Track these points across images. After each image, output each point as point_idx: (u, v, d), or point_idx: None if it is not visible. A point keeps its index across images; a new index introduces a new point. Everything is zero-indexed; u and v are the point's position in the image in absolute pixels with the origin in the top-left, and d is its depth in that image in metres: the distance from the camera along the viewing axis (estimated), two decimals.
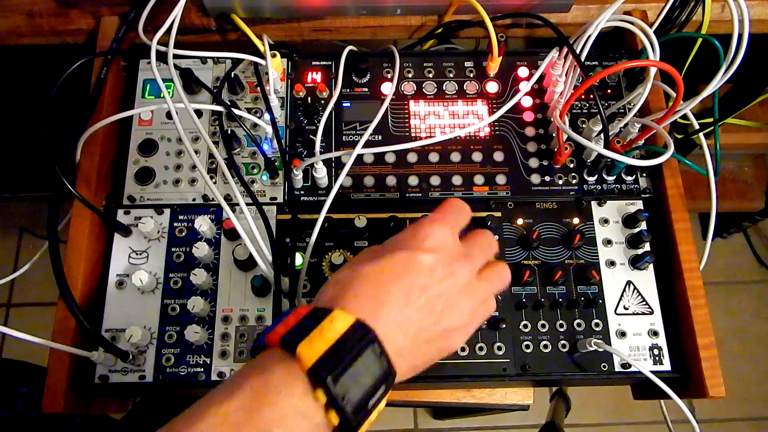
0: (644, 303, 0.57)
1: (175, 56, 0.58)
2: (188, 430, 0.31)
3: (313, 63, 0.66)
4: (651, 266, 0.59)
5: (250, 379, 0.34)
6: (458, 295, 0.41)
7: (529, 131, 0.64)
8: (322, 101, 0.64)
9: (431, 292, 0.40)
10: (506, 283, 0.46)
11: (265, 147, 0.62)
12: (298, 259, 0.57)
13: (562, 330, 0.56)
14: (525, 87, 0.63)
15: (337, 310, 0.36)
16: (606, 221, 0.60)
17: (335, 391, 0.33)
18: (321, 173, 0.59)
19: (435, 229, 0.42)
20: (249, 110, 0.63)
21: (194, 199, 0.60)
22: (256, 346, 0.37)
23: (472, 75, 0.66)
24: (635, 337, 0.56)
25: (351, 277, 0.40)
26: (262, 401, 0.33)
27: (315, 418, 0.34)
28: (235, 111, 0.59)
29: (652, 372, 0.53)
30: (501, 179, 0.62)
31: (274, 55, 0.61)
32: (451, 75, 0.66)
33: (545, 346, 0.55)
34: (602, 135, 0.56)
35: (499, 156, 0.63)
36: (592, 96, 0.62)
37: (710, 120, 0.70)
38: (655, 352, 0.56)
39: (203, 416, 0.32)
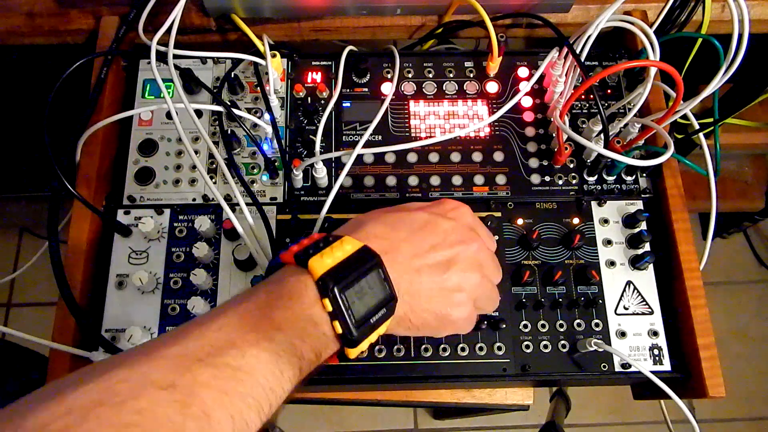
0: (644, 303, 0.57)
1: (175, 56, 0.58)
2: (211, 322, 0.35)
3: (313, 63, 0.66)
4: (651, 266, 0.59)
5: (266, 286, 0.38)
6: (465, 263, 0.43)
7: (529, 131, 0.64)
8: (322, 101, 0.64)
9: (441, 252, 0.42)
10: (496, 304, 0.48)
11: (265, 147, 0.62)
12: None
13: (562, 330, 0.56)
14: (525, 87, 0.63)
15: (348, 237, 0.40)
16: (606, 221, 0.60)
17: (341, 301, 0.36)
18: (321, 173, 0.59)
19: (458, 205, 0.47)
20: (249, 110, 0.63)
21: (194, 199, 0.60)
22: (271, 265, 0.41)
23: (472, 75, 0.66)
24: (635, 337, 0.56)
25: (370, 218, 0.44)
26: (276, 304, 0.36)
27: (322, 327, 0.37)
28: (235, 111, 0.59)
29: (652, 372, 0.53)
30: (501, 179, 0.62)
31: (274, 55, 0.61)
32: (451, 75, 0.66)
33: (545, 346, 0.55)
34: (602, 135, 0.56)
35: (499, 156, 0.63)
36: (592, 96, 0.62)
37: (710, 120, 0.70)
38: (655, 352, 0.56)
39: (224, 312, 0.36)
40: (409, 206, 0.46)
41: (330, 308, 0.36)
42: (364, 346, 0.38)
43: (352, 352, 0.38)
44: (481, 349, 0.55)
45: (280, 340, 0.35)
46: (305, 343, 0.36)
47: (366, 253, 0.39)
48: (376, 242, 0.41)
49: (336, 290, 0.36)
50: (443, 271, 0.42)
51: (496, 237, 0.59)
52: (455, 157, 0.63)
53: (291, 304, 0.36)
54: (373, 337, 0.39)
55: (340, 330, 0.36)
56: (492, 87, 0.65)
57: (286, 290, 0.37)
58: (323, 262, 0.37)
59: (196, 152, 0.61)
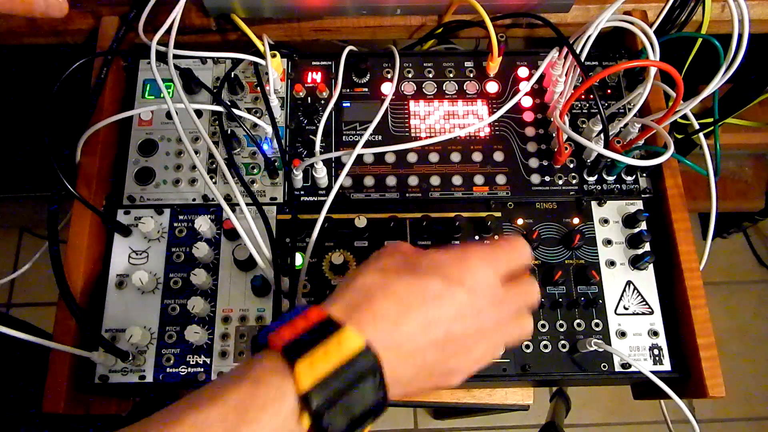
0: (644, 303, 0.57)
1: (175, 56, 0.58)
2: None
3: (313, 63, 0.66)
4: (651, 266, 0.59)
5: (238, 386, 0.32)
6: (475, 339, 0.39)
7: (529, 131, 0.64)
8: (322, 101, 0.64)
9: (451, 331, 0.38)
10: (526, 336, 0.43)
11: (265, 147, 0.62)
12: (298, 259, 0.57)
13: (562, 330, 0.56)
14: (525, 87, 0.63)
15: (349, 328, 0.34)
16: (606, 221, 0.60)
17: (322, 421, 0.32)
18: (321, 173, 0.59)
19: (480, 268, 0.40)
20: (249, 110, 0.63)
21: (194, 199, 0.60)
22: (258, 342, 0.35)
23: (472, 75, 0.66)
24: (635, 337, 0.56)
25: (377, 288, 0.38)
26: (245, 417, 0.31)
27: None
28: (235, 111, 0.59)
29: (652, 372, 0.53)
30: (501, 179, 0.62)
31: (274, 55, 0.61)
32: (451, 75, 0.66)
33: (545, 346, 0.55)
34: (602, 135, 0.56)
35: (499, 156, 0.63)
36: (592, 96, 0.62)
37: (710, 120, 0.70)
38: (655, 352, 0.56)
39: (181, 421, 0.30)
40: (430, 262, 0.40)
41: (308, 424, 0.32)
42: None
43: None
44: None
45: None
46: None
47: (366, 357, 0.34)
48: (381, 324, 0.36)
49: (320, 409, 0.31)
50: (445, 350, 0.38)
51: (496, 237, 0.59)
52: (455, 157, 0.62)
53: (263, 416, 0.31)
54: None
55: None
56: (492, 87, 0.65)
57: (260, 397, 0.32)
58: (314, 369, 0.32)
59: (196, 152, 0.61)
